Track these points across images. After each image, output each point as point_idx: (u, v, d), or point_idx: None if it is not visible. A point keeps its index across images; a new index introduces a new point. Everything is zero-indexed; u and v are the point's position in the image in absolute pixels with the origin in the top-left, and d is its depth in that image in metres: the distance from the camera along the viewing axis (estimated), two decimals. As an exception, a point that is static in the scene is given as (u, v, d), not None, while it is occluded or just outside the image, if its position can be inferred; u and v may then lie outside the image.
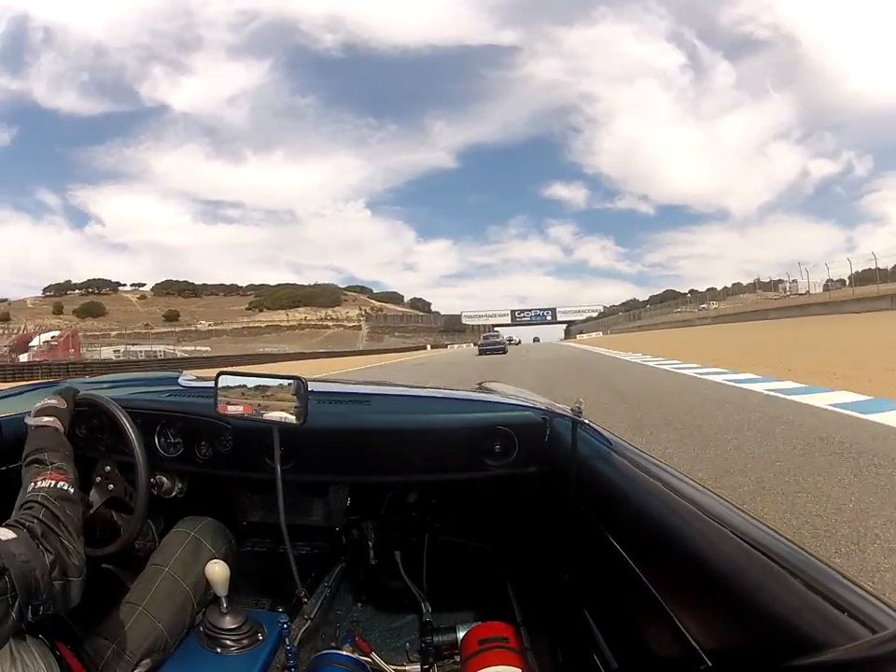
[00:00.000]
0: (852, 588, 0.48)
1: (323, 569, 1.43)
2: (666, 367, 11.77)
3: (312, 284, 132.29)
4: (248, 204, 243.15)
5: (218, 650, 1.06)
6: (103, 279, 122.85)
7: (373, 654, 1.23)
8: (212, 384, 1.10)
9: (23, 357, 38.12)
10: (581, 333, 79.38)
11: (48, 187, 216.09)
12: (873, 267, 33.20)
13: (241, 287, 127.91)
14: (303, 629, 1.24)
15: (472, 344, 64.30)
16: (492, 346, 30.23)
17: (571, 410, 1.09)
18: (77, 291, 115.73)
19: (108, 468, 1.20)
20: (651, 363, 13.55)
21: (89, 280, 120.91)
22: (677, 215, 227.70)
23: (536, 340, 79.29)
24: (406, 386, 1.81)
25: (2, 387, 1.67)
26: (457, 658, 1.22)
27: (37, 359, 34.42)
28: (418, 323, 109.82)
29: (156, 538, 1.28)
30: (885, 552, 2.21)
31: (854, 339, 14.28)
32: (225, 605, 1.08)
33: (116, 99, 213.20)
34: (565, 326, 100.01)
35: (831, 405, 5.43)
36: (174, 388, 1.57)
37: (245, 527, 1.55)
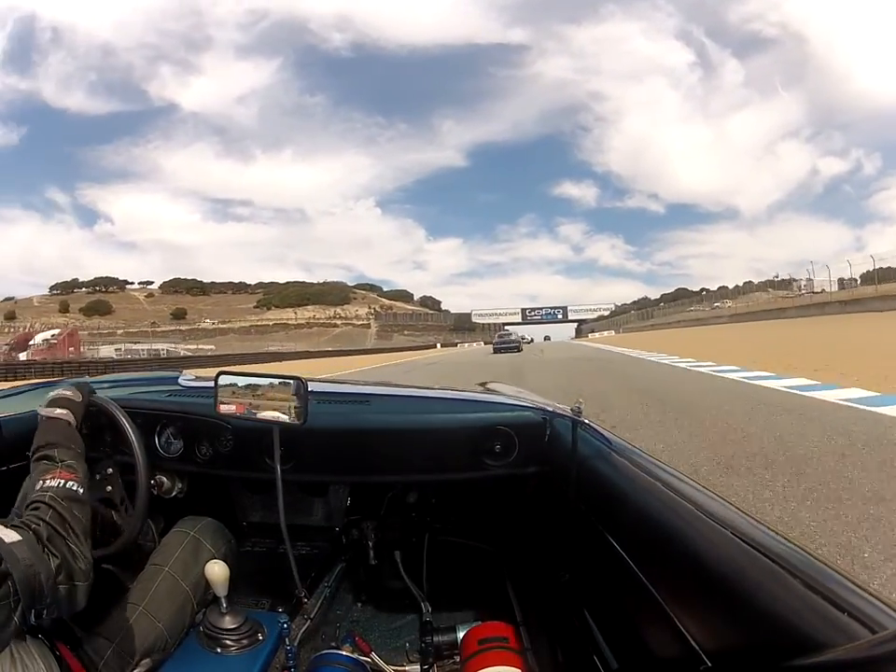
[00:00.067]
0: (852, 588, 0.48)
1: (323, 569, 1.44)
2: (703, 369, 10.12)
3: (321, 282, 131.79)
4: (258, 203, 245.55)
5: (218, 650, 1.06)
6: (110, 277, 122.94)
7: (373, 654, 1.23)
8: (212, 383, 1.10)
9: (23, 356, 37.65)
10: (592, 332, 78.81)
11: (57, 185, 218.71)
12: (895, 265, 32.72)
13: (249, 284, 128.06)
14: (303, 629, 1.24)
15: (483, 343, 64.36)
16: (506, 345, 30.45)
17: (571, 410, 1.08)
18: (83, 289, 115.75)
19: (109, 468, 1.20)
20: (681, 364, 11.88)
21: (96, 278, 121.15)
22: (686, 213, 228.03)
23: (547, 338, 78.48)
24: (406, 387, 1.81)
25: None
26: (457, 658, 1.21)
27: (36, 358, 34.16)
28: (428, 321, 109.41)
29: (156, 538, 1.27)
30: None
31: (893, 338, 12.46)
32: (225, 605, 1.08)
33: (124, 98, 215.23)
34: (575, 325, 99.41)
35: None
36: (173, 388, 1.57)
37: (245, 527, 1.55)
